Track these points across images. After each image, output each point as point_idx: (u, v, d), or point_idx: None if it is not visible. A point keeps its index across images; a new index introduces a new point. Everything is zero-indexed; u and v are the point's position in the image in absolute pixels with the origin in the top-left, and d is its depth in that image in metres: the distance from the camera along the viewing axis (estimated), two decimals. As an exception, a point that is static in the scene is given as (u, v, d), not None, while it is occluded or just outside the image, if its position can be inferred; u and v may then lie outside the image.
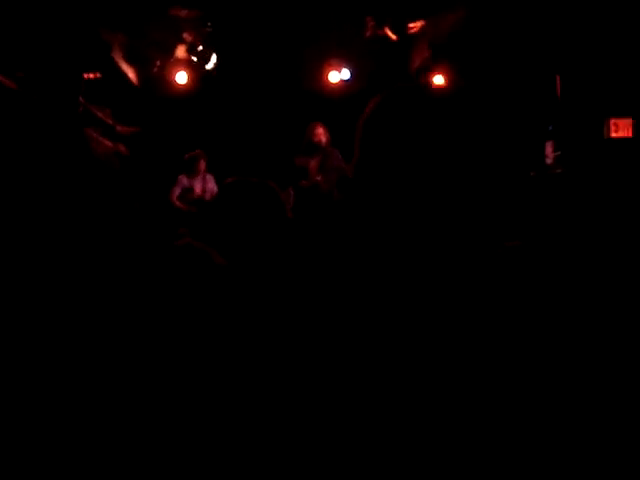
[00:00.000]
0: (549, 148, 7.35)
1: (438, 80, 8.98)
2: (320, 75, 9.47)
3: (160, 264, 1.47)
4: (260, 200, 2.09)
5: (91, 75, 7.89)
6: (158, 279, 1.48)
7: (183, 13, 7.99)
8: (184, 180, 8.42)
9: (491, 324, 1.20)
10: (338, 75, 9.45)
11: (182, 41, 8.88)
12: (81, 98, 6.79)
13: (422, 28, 8.36)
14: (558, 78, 7.45)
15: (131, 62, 8.71)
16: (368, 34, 8.63)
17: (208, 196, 8.26)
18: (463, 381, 1.16)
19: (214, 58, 9.04)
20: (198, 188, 8.43)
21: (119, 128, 7.88)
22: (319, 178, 7.75)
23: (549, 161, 7.26)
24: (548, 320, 1.22)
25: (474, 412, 1.14)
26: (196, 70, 9.24)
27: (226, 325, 1.47)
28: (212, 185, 8.41)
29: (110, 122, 7.70)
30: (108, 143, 7.52)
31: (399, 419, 1.14)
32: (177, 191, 8.38)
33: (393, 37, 8.39)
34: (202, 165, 8.47)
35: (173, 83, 9.33)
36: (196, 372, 1.32)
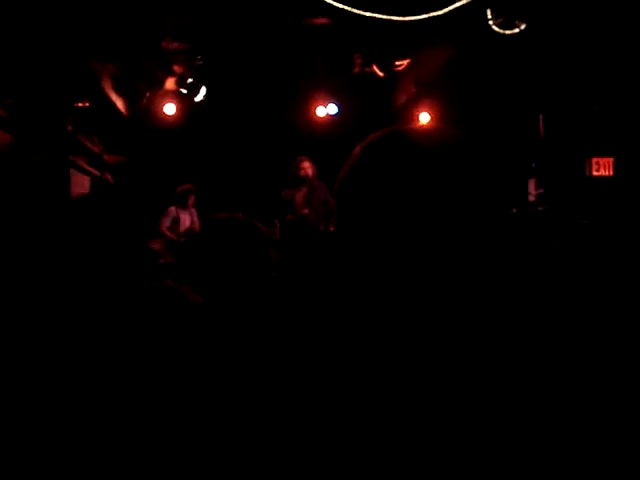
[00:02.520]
0: (532, 185, 7.45)
1: (423, 117, 9.09)
2: (307, 109, 9.57)
3: (136, 305, 1.49)
4: (246, 240, 2.09)
5: (80, 104, 7.94)
6: (133, 319, 1.49)
7: (173, 45, 8.07)
8: (173, 211, 8.47)
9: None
10: (325, 110, 9.55)
11: (172, 73, 8.96)
12: (69, 126, 6.84)
13: (408, 66, 8.48)
14: (541, 117, 7.56)
15: (120, 92, 8.78)
16: (356, 70, 8.74)
17: (197, 228, 8.32)
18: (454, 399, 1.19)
19: (203, 91, 9.11)
20: (187, 220, 8.49)
21: (106, 157, 7.92)
22: (305, 211, 7.80)
23: (532, 198, 7.35)
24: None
25: (478, 417, 1.17)
26: (185, 102, 9.31)
27: (199, 363, 1.49)
28: (196, 219, 8.49)
29: (97, 151, 7.73)
30: (95, 171, 7.55)
31: (401, 424, 1.17)
32: (166, 222, 8.43)
33: (380, 74, 8.49)
34: (191, 200, 8.55)
35: (161, 114, 9.40)
36: (172, 411, 1.34)
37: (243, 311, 1.91)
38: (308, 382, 1.23)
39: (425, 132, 1.43)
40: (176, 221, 8.45)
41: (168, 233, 8.35)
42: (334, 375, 1.20)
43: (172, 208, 8.49)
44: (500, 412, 1.16)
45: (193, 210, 8.59)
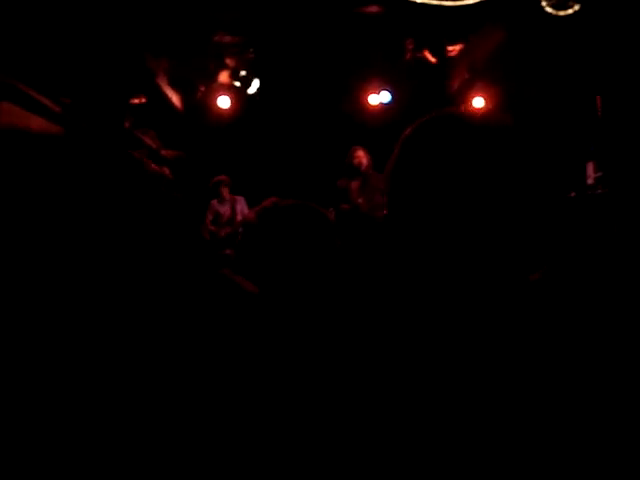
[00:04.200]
0: (590, 168, 7.32)
1: (477, 103, 8.99)
2: (360, 98, 9.55)
3: (193, 292, 1.51)
4: (314, 227, 2.07)
5: (136, 100, 8.06)
6: (190, 306, 1.51)
7: (226, 39, 8.13)
8: (214, 205, 8.54)
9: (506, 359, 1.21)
10: (378, 98, 9.51)
11: (225, 66, 9.02)
12: (127, 123, 6.95)
13: (461, 51, 8.39)
14: (599, 99, 7.43)
15: (175, 87, 8.88)
16: (407, 57, 8.69)
17: (239, 217, 8.33)
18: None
19: (256, 83, 9.16)
20: (227, 212, 8.51)
21: (164, 152, 8.02)
22: (360, 201, 7.80)
23: (590, 181, 7.23)
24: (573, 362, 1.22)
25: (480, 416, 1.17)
26: (239, 95, 9.37)
27: (250, 352, 1.50)
28: (242, 207, 8.46)
29: (154, 146, 7.85)
30: (154, 166, 7.66)
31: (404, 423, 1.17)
32: (210, 216, 8.51)
33: (432, 60, 8.43)
34: (225, 191, 8.52)
35: (216, 108, 9.48)
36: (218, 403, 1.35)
37: (305, 299, 1.92)
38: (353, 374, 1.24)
39: (473, 116, 1.41)
40: (217, 214, 8.52)
41: (211, 227, 8.43)
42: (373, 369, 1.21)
43: (214, 202, 8.56)
44: (509, 410, 1.15)
45: (237, 199, 8.58)
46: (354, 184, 7.89)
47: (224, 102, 9.44)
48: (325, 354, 1.34)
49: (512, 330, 1.22)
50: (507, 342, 1.20)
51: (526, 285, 1.32)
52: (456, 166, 1.27)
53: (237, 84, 9.12)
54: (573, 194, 6.85)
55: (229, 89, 9.35)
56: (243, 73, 9.01)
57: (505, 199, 1.28)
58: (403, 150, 1.33)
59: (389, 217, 1.33)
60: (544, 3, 6.27)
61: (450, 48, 8.31)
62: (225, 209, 8.56)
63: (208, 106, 9.48)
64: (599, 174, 7.21)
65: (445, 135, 1.31)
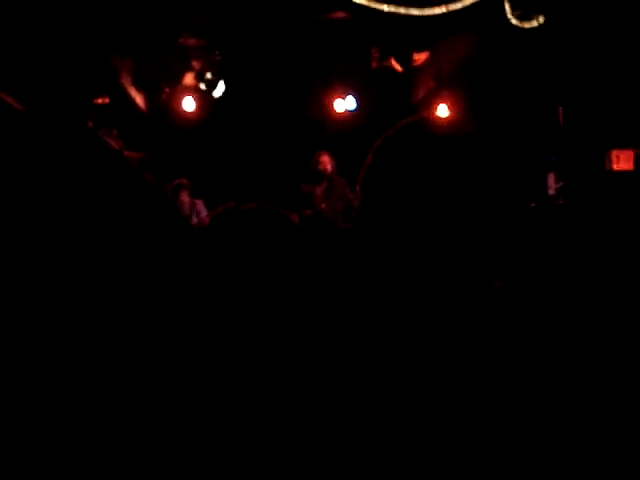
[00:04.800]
0: (551, 179, 7.40)
1: (442, 111, 9.06)
2: (326, 104, 9.56)
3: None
4: (273, 229, 2.05)
5: (100, 100, 7.98)
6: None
7: (192, 41, 8.10)
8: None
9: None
10: (344, 104, 9.54)
11: (191, 68, 8.98)
12: (90, 122, 6.88)
13: (427, 60, 8.45)
14: (560, 110, 7.52)
15: (139, 88, 8.82)
16: (374, 65, 8.73)
17: (195, 221, 8.17)
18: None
19: (222, 86, 9.13)
20: (185, 215, 8.32)
21: (126, 153, 7.95)
22: (324, 206, 7.81)
23: (551, 192, 7.31)
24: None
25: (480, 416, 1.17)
26: (204, 97, 9.34)
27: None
28: (200, 209, 8.29)
29: (117, 147, 7.77)
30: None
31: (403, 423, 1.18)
32: None
33: (398, 68, 8.48)
34: (184, 194, 8.31)
35: (181, 110, 9.42)
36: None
37: (266, 305, 1.91)
38: (322, 377, 1.24)
39: (439, 124, 1.44)
40: None
41: None
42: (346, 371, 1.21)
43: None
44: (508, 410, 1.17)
45: (196, 202, 8.40)
46: (318, 189, 7.90)
47: (189, 104, 9.39)
48: (288, 361, 1.34)
49: (475, 335, 1.23)
50: (470, 346, 1.22)
51: (488, 292, 1.34)
52: (423, 174, 1.29)
53: (202, 86, 9.08)
54: (534, 204, 6.93)
55: (194, 91, 9.31)
56: (209, 75, 8.98)
57: (469, 206, 1.30)
58: (375, 158, 1.35)
59: (360, 223, 1.34)
60: (510, 15, 6.34)
61: (416, 57, 8.37)
62: (184, 212, 8.44)
63: (173, 108, 9.43)
64: (560, 184, 7.30)
65: (414, 143, 1.34)
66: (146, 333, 1.19)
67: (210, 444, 1.25)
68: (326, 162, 7.88)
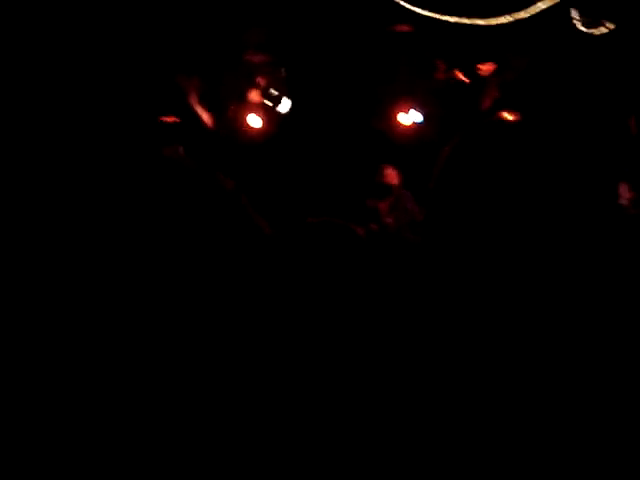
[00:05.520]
0: (624, 189, 7.23)
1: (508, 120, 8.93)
2: (391, 116, 9.52)
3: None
4: (341, 243, 2.06)
5: (168, 119, 8.11)
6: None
7: (257, 58, 8.17)
8: None
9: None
10: (409, 117, 9.48)
11: (256, 85, 9.05)
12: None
13: (493, 70, 8.36)
14: (633, 118, 7.35)
15: (206, 106, 8.92)
16: (439, 76, 8.66)
17: None
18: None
19: (287, 101, 9.18)
20: None
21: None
22: (389, 220, 7.76)
23: (624, 202, 7.14)
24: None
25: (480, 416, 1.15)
26: (269, 114, 9.39)
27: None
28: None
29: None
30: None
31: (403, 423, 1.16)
32: None
33: (464, 79, 8.41)
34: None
35: (247, 127, 9.50)
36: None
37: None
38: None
39: (509, 131, 1.42)
40: None
41: None
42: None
43: None
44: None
45: None
46: (383, 204, 7.86)
47: (255, 121, 9.46)
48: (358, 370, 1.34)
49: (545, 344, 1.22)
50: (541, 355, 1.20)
51: (563, 302, 1.32)
52: (497, 176, 1.29)
53: (268, 103, 9.14)
54: (606, 214, 6.77)
55: (260, 108, 9.38)
56: (274, 92, 9.04)
57: (543, 215, 1.29)
58: (448, 162, 1.35)
59: (431, 226, 1.34)
60: (577, 22, 6.22)
61: (481, 67, 8.29)
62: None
63: (239, 124, 9.51)
64: (633, 195, 7.12)
65: (487, 145, 1.33)
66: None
67: (217, 440, 1.24)
68: (392, 175, 7.84)
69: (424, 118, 9.45)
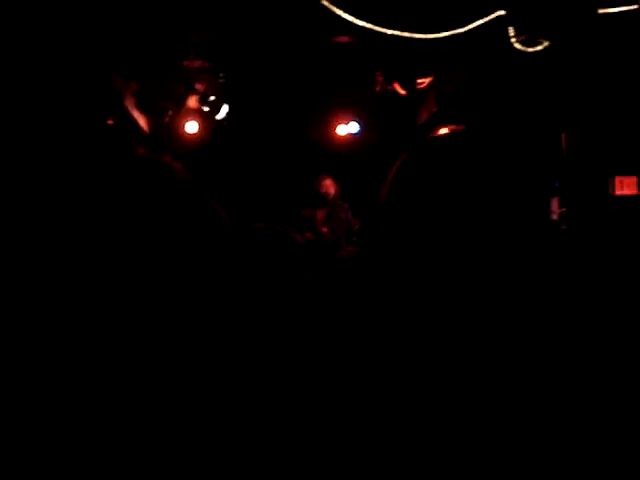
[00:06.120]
0: (555, 204, 7.39)
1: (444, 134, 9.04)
2: (329, 128, 9.57)
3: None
4: (283, 251, 2.04)
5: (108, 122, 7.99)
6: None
7: (196, 64, 8.12)
8: None
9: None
10: (347, 128, 9.54)
11: (194, 91, 9.00)
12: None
13: (430, 83, 8.46)
14: (564, 136, 7.52)
15: (143, 110, 8.83)
16: (377, 89, 8.73)
17: None
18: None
19: (225, 108, 9.15)
20: None
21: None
22: (325, 230, 7.78)
23: (555, 217, 7.29)
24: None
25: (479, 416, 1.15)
26: (207, 120, 9.34)
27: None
28: None
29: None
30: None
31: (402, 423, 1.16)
32: None
33: (402, 92, 8.49)
34: None
35: (184, 132, 9.43)
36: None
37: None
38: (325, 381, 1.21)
39: (447, 145, 1.43)
40: None
41: None
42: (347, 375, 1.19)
43: None
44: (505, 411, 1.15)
45: None
46: (320, 213, 7.87)
47: (192, 127, 9.40)
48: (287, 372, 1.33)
49: (483, 358, 1.22)
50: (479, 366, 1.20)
51: (494, 312, 1.33)
52: (442, 190, 1.30)
53: (206, 109, 9.10)
54: (538, 229, 6.89)
55: (198, 114, 9.33)
56: (212, 98, 9.00)
57: (482, 226, 1.30)
58: (398, 174, 1.35)
59: (385, 238, 1.34)
60: (513, 40, 6.34)
61: (420, 80, 8.38)
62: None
63: (176, 130, 9.43)
64: (563, 210, 7.29)
65: (433, 160, 1.34)
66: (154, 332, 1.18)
67: (215, 441, 1.22)
68: (329, 186, 7.87)
69: (361, 129, 9.53)
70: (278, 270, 1.98)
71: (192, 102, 9.21)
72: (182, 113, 9.40)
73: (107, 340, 1.15)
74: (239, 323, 1.79)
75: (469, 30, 6.04)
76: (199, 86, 8.95)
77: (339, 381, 1.27)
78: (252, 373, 1.47)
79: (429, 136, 1.41)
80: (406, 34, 6.12)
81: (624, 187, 6.84)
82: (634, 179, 6.84)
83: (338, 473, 1.16)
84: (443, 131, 1.54)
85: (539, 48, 6.41)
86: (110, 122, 8.11)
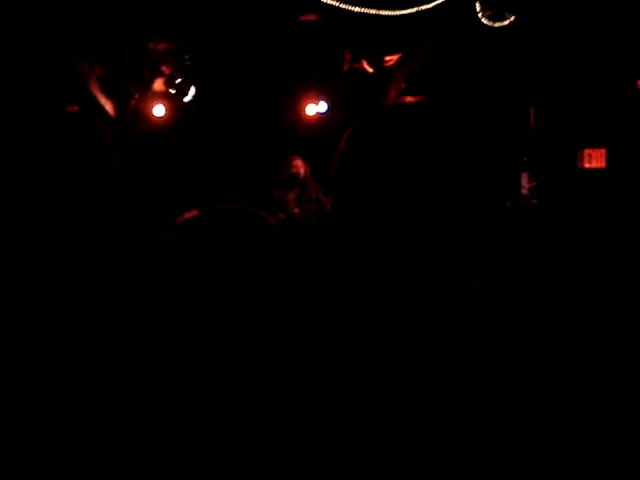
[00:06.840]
0: (524, 179, 7.43)
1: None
2: (298, 107, 9.52)
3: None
4: (255, 231, 2.01)
5: (68, 108, 7.88)
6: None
7: (161, 46, 8.02)
8: None
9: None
10: (315, 108, 9.50)
11: (160, 74, 8.90)
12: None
13: (398, 61, 8.44)
14: (532, 110, 7.54)
15: (108, 95, 8.72)
16: (345, 67, 8.70)
17: None
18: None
19: (192, 90, 9.06)
20: None
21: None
22: (296, 210, 7.76)
23: (525, 192, 7.33)
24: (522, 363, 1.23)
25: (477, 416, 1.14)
26: (174, 103, 9.25)
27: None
28: None
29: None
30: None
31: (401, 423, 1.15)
32: None
33: (370, 70, 8.46)
34: None
35: (151, 116, 9.34)
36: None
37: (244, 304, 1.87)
38: (305, 378, 1.20)
39: (414, 109, 1.39)
40: None
41: None
42: (332, 372, 1.17)
43: None
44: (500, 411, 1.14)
45: None
46: (291, 194, 7.85)
47: (159, 110, 9.31)
48: (267, 364, 1.31)
49: (458, 333, 1.20)
50: (453, 344, 1.18)
51: (472, 290, 1.31)
52: (398, 167, 1.25)
53: (173, 92, 9.01)
54: (509, 204, 6.94)
55: (164, 97, 9.23)
56: (179, 80, 8.91)
57: (446, 203, 1.27)
58: (348, 146, 1.30)
59: (335, 215, 1.30)
60: (480, 14, 6.34)
61: (387, 58, 8.36)
62: None
63: (143, 114, 9.34)
64: (533, 184, 7.33)
65: (388, 128, 1.29)
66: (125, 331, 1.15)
67: (212, 441, 1.21)
68: (299, 166, 7.84)
69: (331, 108, 9.49)
70: (248, 249, 1.95)
71: (158, 85, 9.11)
72: (149, 96, 9.30)
73: (59, 323, 1.13)
74: (210, 304, 1.77)
75: (436, 6, 6.03)
76: (165, 69, 8.85)
77: (314, 360, 1.25)
78: (226, 354, 1.46)
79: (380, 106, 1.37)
80: (373, 11, 6.09)
81: (592, 160, 6.89)
82: (602, 151, 6.89)
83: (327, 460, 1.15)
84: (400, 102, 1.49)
85: (506, 23, 6.42)
86: (75, 108, 8.00)
